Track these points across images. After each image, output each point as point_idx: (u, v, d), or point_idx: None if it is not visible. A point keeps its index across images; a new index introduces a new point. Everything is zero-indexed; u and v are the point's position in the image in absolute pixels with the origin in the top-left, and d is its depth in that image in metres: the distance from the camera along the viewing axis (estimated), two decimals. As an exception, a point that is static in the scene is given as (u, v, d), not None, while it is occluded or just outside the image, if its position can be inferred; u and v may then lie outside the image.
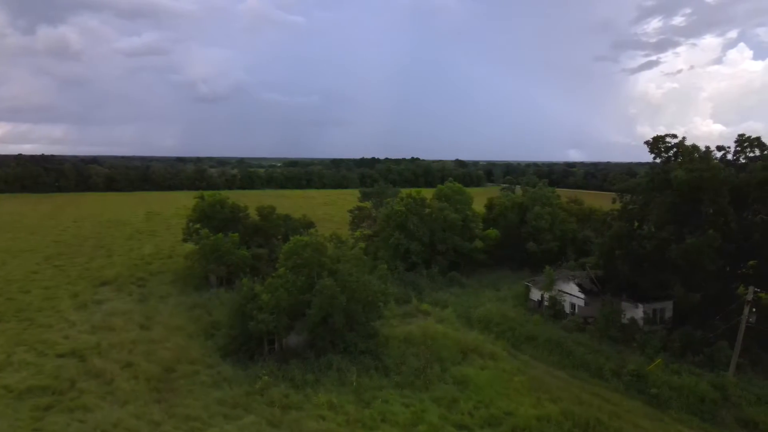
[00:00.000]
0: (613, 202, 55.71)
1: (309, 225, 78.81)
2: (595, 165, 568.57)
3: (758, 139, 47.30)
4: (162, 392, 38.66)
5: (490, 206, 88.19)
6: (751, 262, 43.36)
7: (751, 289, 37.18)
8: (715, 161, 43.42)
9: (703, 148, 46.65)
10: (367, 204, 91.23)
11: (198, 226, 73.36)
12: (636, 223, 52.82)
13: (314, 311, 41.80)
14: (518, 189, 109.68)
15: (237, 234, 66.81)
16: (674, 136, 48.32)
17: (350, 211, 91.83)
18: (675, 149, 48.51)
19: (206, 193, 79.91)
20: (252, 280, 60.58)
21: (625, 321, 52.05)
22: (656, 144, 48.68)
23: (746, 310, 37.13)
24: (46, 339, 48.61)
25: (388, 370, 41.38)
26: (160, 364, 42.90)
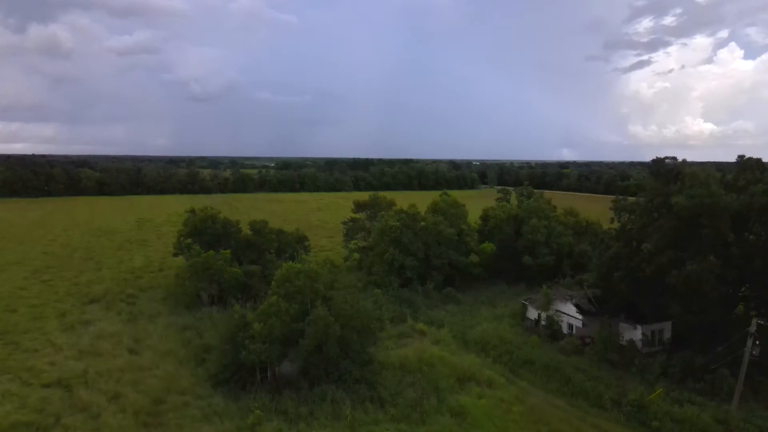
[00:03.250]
0: (611, 221, 54.89)
1: (302, 239, 77.66)
2: (588, 165, 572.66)
3: (759, 160, 46.61)
4: (150, 427, 37.43)
5: (485, 217, 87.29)
6: (743, 288, 42.61)
7: (754, 321, 36.39)
8: (715, 189, 42.49)
9: (703, 170, 45.88)
10: (361, 215, 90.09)
11: (189, 240, 72.13)
12: (634, 243, 51.95)
13: (308, 341, 40.66)
14: (513, 194, 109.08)
15: (229, 251, 65.49)
16: (674, 158, 47.65)
17: (344, 223, 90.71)
18: (675, 170, 47.73)
19: (198, 207, 78.62)
20: (244, 300, 59.78)
21: (623, 342, 51.34)
22: (657, 167, 47.89)
23: (749, 343, 36.36)
24: (31, 366, 47.19)
25: (383, 401, 40.25)
26: (149, 395, 41.63)
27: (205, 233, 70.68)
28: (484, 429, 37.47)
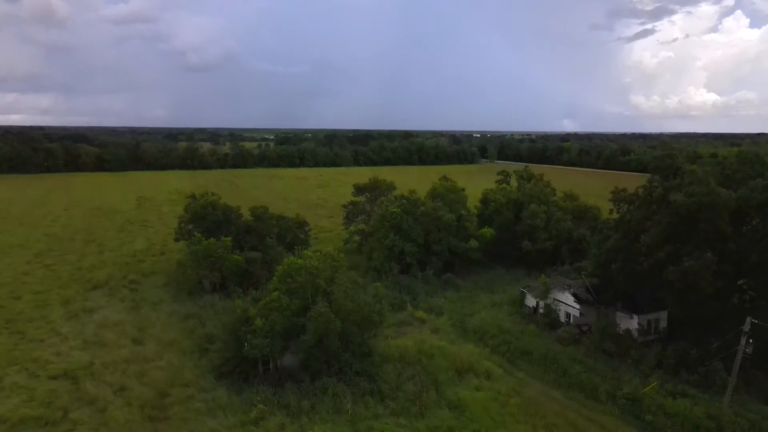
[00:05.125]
0: (610, 212, 55.14)
1: (302, 224, 78.00)
2: (589, 137, 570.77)
3: (758, 154, 46.63)
4: (156, 421, 38.34)
5: (484, 201, 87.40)
6: (740, 282, 43.03)
7: (748, 320, 36.99)
8: (714, 186, 42.54)
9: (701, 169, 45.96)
10: (361, 198, 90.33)
11: (190, 226, 72.53)
12: (632, 235, 52.27)
13: (309, 336, 41.36)
14: (513, 176, 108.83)
15: (229, 238, 65.87)
16: (674, 157, 47.73)
17: (344, 206, 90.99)
18: (675, 166, 47.79)
19: (198, 190, 78.89)
20: (246, 287, 60.56)
21: (619, 331, 52.14)
22: (657, 163, 47.99)
23: (743, 341, 37.01)
24: (37, 357, 48.08)
25: (383, 395, 41.07)
26: (154, 388, 42.53)
27: (205, 220, 70.94)
28: (482, 423, 38.34)
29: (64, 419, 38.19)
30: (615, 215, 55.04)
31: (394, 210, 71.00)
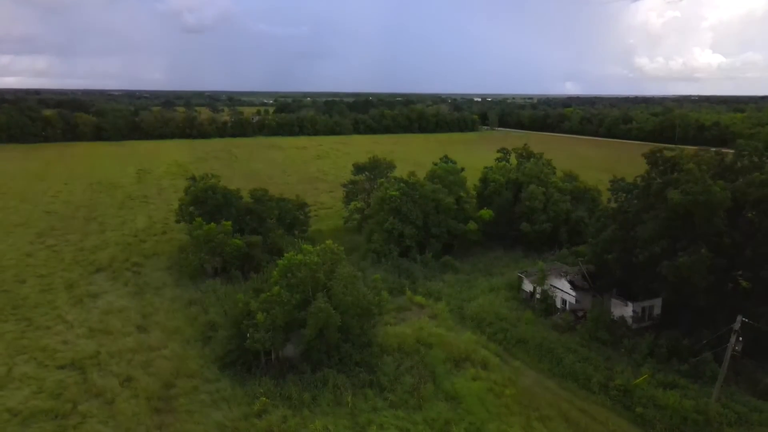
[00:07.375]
0: (608, 201, 55.49)
1: (302, 205, 78.38)
2: (592, 101, 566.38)
3: (757, 146, 46.70)
4: (162, 413, 39.54)
5: (484, 180, 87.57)
6: (735, 272, 43.74)
7: (739, 318, 37.79)
8: (710, 184, 42.68)
9: (700, 157, 46.11)
10: (361, 177, 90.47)
11: (191, 209, 73.02)
12: (629, 226, 52.76)
13: (309, 330, 42.32)
14: (512, 151, 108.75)
15: (230, 222, 66.37)
16: (672, 149, 47.77)
17: (344, 186, 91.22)
18: (672, 161, 47.91)
19: (198, 172, 79.04)
20: (247, 271, 61.58)
21: (613, 318, 53.24)
22: (654, 158, 48.05)
23: (733, 339, 37.91)
24: (45, 345, 49.20)
25: (382, 387, 42.19)
26: (160, 378, 43.71)
27: (206, 203, 71.29)
28: (477, 415, 39.56)
29: (74, 412, 39.29)
30: (613, 204, 55.41)
31: (393, 193, 71.26)
